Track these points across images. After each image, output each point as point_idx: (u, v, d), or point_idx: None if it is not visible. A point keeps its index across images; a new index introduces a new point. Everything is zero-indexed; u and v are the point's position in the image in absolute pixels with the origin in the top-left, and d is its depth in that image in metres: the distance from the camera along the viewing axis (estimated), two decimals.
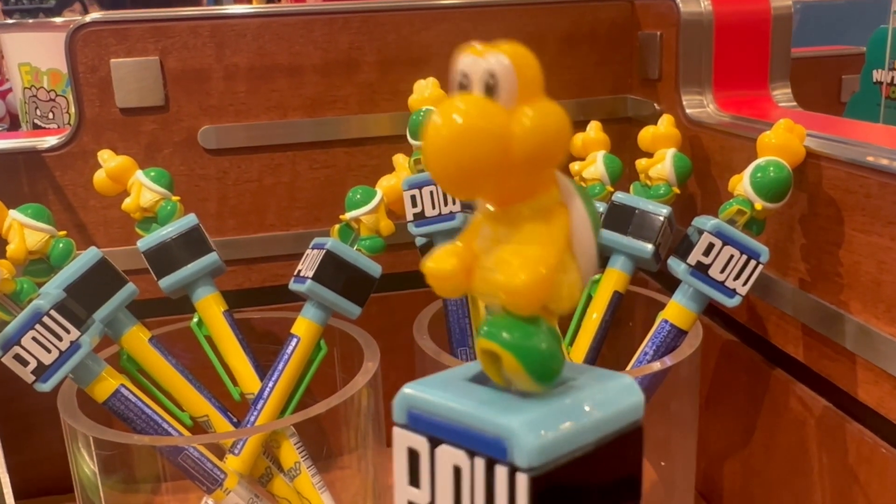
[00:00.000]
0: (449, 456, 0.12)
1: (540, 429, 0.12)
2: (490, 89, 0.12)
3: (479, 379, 0.13)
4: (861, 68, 0.69)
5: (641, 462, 0.13)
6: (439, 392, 0.13)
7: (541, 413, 0.12)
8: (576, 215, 0.13)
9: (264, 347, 0.38)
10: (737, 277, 0.32)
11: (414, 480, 0.13)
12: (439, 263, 0.12)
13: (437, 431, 0.12)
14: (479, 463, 0.12)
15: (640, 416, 0.13)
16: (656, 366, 0.33)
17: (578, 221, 0.13)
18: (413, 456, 0.12)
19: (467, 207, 0.38)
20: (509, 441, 0.11)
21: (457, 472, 0.12)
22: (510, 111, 0.12)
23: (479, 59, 0.12)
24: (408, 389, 0.13)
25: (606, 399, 0.13)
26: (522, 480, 0.11)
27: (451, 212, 0.37)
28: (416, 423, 0.12)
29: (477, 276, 0.13)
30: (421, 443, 0.12)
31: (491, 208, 0.13)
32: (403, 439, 0.13)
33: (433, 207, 0.38)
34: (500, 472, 0.12)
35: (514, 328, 0.12)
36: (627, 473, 0.13)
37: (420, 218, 0.37)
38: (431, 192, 0.38)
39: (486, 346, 0.12)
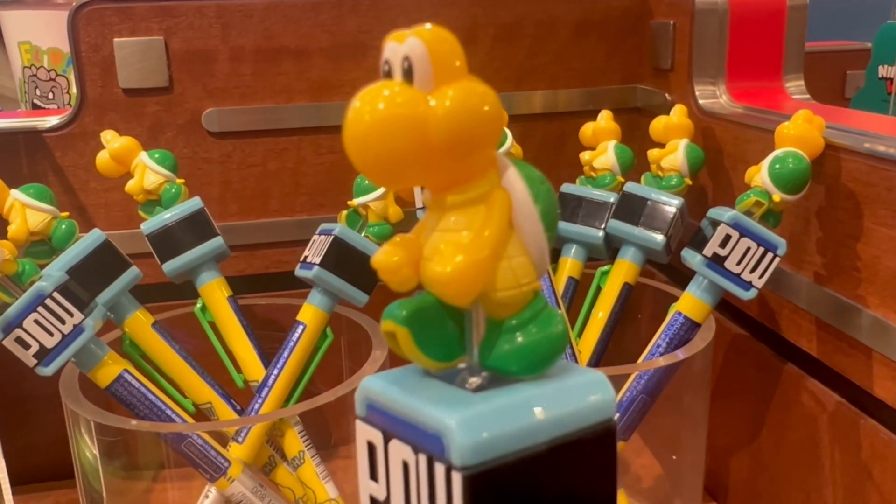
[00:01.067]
0: (399, 451, 0.12)
1: (478, 426, 0.11)
2: (407, 74, 0.12)
3: (445, 375, 0.13)
4: (867, 64, 0.69)
5: (614, 466, 0.12)
6: (394, 386, 0.12)
7: (484, 409, 0.11)
8: (518, 198, 0.12)
9: (267, 334, 0.38)
10: (753, 270, 0.32)
11: (373, 474, 0.12)
12: (385, 257, 0.12)
13: (390, 426, 0.12)
14: (423, 459, 0.11)
15: (609, 415, 0.12)
16: (669, 358, 0.33)
17: (521, 204, 0.12)
18: (371, 449, 0.12)
19: None
20: (445, 437, 0.11)
21: (405, 467, 0.12)
22: (427, 94, 0.11)
23: (398, 45, 0.12)
24: (366, 382, 0.13)
25: (566, 396, 0.12)
26: (457, 480, 0.11)
27: None
28: (373, 416, 0.12)
29: (420, 268, 0.12)
30: (377, 436, 0.12)
31: (428, 197, 0.13)
32: (363, 432, 0.12)
33: None
34: (439, 470, 0.11)
35: (409, 305, 0.12)
36: (596, 479, 0.12)
37: None
38: None
39: (385, 327, 0.12)
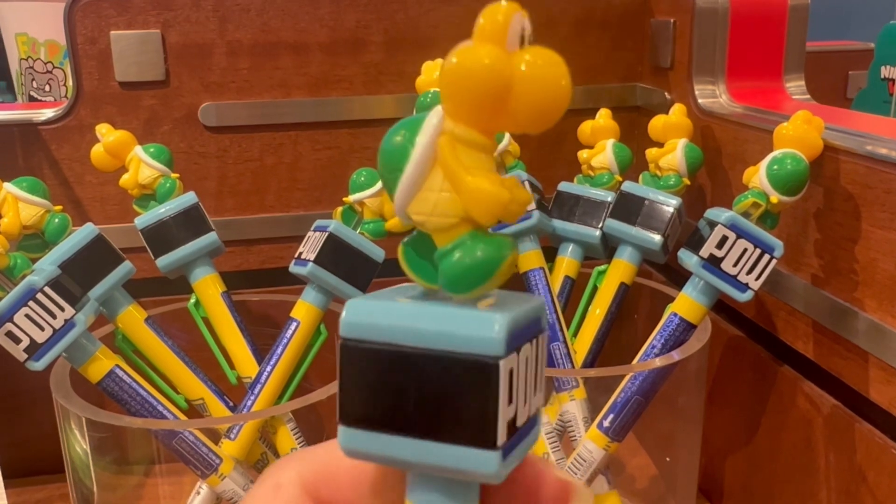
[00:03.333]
0: (524, 353, 0.14)
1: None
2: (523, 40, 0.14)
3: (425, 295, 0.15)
4: (869, 64, 0.68)
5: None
6: (518, 307, 0.14)
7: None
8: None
9: (261, 330, 0.38)
10: (749, 272, 0.31)
11: (511, 397, 0.14)
12: (500, 190, 0.14)
13: (520, 340, 0.14)
14: (534, 343, 0.14)
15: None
16: (665, 359, 0.33)
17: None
18: (511, 376, 0.14)
19: (540, 202, 0.37)
20: (542, 314, 0.14)
21: (527, 362, 0.14)
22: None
23: (523, 18, 0.14)
24: (505, 316, 0.14)
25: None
26: (543, 339, 0.14)
27: (526, 211, 0.36)
28: (512, 344, 0.14)
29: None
30: (513, 360, 0.14)
31: (479, 140, 0.14)
32: (505, 366, 0.14)
33: None
34: (542, 339, 0.14)
35: (416, 237, 0.15)
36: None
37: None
38: None
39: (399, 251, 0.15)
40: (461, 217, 0.14)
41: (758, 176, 0.32)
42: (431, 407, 0.13)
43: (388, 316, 0.14)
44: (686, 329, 0.33)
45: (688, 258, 0.32)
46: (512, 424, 0.13)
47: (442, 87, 0.14)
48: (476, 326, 0.13)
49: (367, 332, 0.14)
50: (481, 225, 0.14)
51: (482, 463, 0.13)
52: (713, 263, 0.32)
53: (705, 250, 0.32)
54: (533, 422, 0.14)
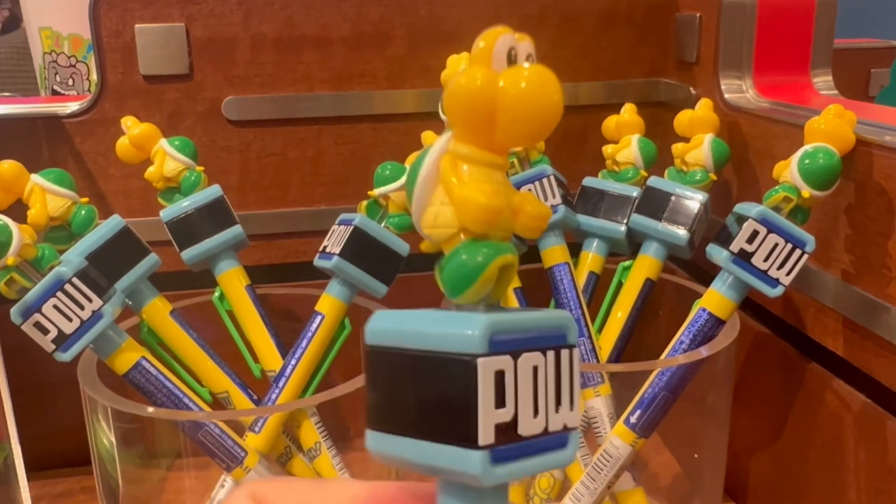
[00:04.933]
0: (528, 361, 0.14)
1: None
2: (513, 59, 0.14)
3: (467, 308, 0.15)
4: (891, 62, 0.68)
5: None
6: (504, 315, 0.14)
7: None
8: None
9: (285, 324, 0.38)
10: (780, 267, 0.31)
11: (502, 401, 0.14)
12: (495, 200, 0.14)
13: (517, 345, 0.14)
14: (551, 356, 0.14)
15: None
16: (693, 355, 0.32)
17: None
18: (500, 378, 0.14)
19: (565, 197, 0.37)
20: (568, 329, 0.15)
21: (535, 371, 0.14)
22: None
23: (518, 40, 0.15)
24: (486, 319, 0.14)
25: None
26: (576, 354, 0.15)
27: (552, 205, 0.36)
28: (498, 346, 0.14)
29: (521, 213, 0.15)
30: (504, 361, 0.14)
31: (485, 157, 0.15)
32: (488, 366, 0.14)
33: None
34: (564, 355, 0.14)
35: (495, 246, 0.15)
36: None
37: None
38: (530, 190, 0.37)
39: (500, 262, 0.15)
40: (458, 227, 0.15)
41: (789, 170, 0.32)
42: (427, 407, 0.14)
43: (396, 321, 0.15)
44: (715, 325, 0.33)
45: (717, 253, 0.32)
46: (507, 429, 0.14)
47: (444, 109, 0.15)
48: (460, 326, 0.14)
49: (376, 337, 0.15)
50: (476, 233, 0.14)
51: (466, 462, 0.13)
52: (743, 258, 0.31)
53: (735, 245, 0.31)
54: (559, 439, 0.14)
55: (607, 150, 0.40)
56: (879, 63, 0.69)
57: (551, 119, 0.14)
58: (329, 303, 0.35)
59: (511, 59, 0.14)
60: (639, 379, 0.34)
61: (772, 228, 0.31)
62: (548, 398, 0.14)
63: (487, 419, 0.13)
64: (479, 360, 0.13)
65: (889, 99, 0.66)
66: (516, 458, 0.14)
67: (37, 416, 0.43)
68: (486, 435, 0.13)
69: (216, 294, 0.36)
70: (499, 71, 0.14)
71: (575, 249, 0.39)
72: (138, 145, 0.35)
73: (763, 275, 0.31)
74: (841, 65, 0.62)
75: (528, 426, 0.14)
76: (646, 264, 0.37)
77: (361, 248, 0.34)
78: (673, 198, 0.37)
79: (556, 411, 0.14)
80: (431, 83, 0.41)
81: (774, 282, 0.31)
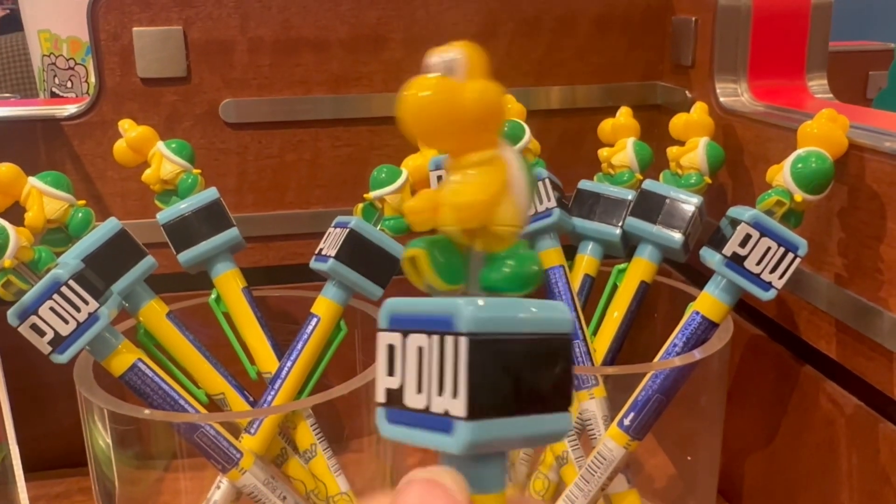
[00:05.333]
0: (415, 341, 0.16)
1: (479, 308, 0.15)
2: (448, 72, 0.16)
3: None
4: (889, 64, 0.68)
5: (571, 371, 0.16)
6: (414, 301, 0.16)
7: (484, 301, 0.15)
8: (513, 166, 0.17)
9: (281, 326, 0.38)
10: (773, 270, 0.31)
11: (391, 370, 0.16)
12: (413, 202, 0.16)
13: (408, 325, 0.16)
14: (435, 339, 0.15)
15: (569, 329, 0.16)
16: (686, 358, 0.32)
17: (514, 170, 0.17)
18: (391, 350, 0.16)
19: (560, 201, 0.38)
20: (454, 315, 0.15)
21: (419, 351, 0.15)
22: (462, 84, 0.16)
23: (442, 55, 0.16)
24: (390, 301, 0.16)
25: (539, 308, 0.16)
26: (463, 343, 0.15)
27: (547, 208, 0.37)
28: (394, 324, 0.16)
29: (442, 208, 0.16)
30: (396, 337, 0.16)
31: (448, 161, 0.17)
32: (384, 339, 0.16)
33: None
34: (449, 341, 0.15)
35: (429, 239, 0.16)
36: (558, 376, 0.16)
37: None
38: None
39: (408, 252, 0.16)
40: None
41: (782, 174, 0.32)
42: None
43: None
44: (708, 328, 0.33)
45: (710, 256, 0.32)
46: (396, 396, 0.16)
47: None
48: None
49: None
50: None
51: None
52: (736, 262, 0.32)
53: (728, 248, 0.32)
54: (440, 422, 0.15)
55: (603, 153, 0.40)
56: (877, 65, 0.69)
57: (424, 117, 0.15)
58: (325, 305, 0.35)
59: (438, 71, 0.16)
60: (633, 381, 0.34)
61: (764, 232, 0.31)
62: (431, 379, 0.15)
63: (381, 383, 0.16)
64: (378, 334, 0.16)
65: (887, 101, 0.66)
66: (404, 423, 0.16)
67: (34, 417, 0.44)
68: (379, 395, 0.16)
69: (213, 296, 0.36)
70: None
71: (570, 252, 0.39)
72: (136, 148, 0.36)
73: (756, 278, 0.31)
74: (838, 67, 0.62)
75: (412, 399, 0.15)
76: (641, 267, 0.38)
77: (357, 251, 0.34)
78: (668, 201, 0.37)
79: (439, 394, 0.15)
80: None
81: (767, 285, 0.31)
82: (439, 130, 0.16)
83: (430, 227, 0.17)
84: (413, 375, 0.15)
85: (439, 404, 0.15)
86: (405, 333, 0.15)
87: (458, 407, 0.15)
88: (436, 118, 0.16)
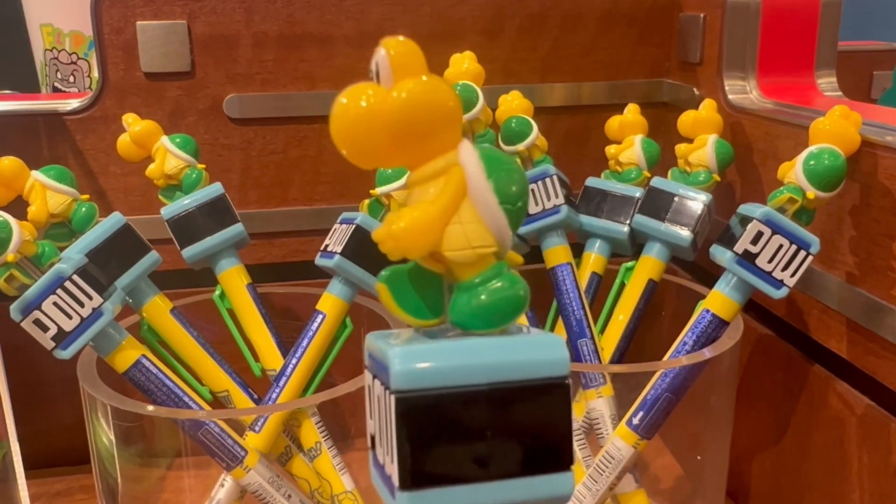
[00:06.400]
0: (377, 387, 0.14)
1: (414, 358, 0.13)
2: (376, 75, 0.15)
3: (431, 333, 0.15)
4: (894, 64, 0.68)
5: (567, 422, 0.13)
6: (381, 338, 0.14)
7: (425, 347, 0.13)
8: (471, 173, 0.14)
9: (285, 323, 0.37)
10: (785, 268, 0.31)
11: (371, 413, 0.15)
12: (378, 231, 0.15)
13: (374, 368, 0.14)
14: (380, 389, 0.14)
15: (561, 373, 0.13)
16: (696, 357, 0.32)
17: (474, 178, 0.14)
18: (368, 391, 0.15)
19: (568, 198, 0.37)
20: (388, 367, 0.13)
21: (378, 400, 0.14)
22: (389, 89, 0.14)
23: (384, 50, 0.15)
24: (368, 336, 0.15)
25: (515, 348, 0.13)
26: (391, 402, 0.13)
27: (554, 205, 0.36)
28: (369, 363, 0.15)
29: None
30: (369, 377, 0.15)
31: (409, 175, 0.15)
32: (367, 376, 0.15)
33: (536, 204, 0.37)
34: (387, 397, 0.13)
35: (394, 269, 0.15)
36: (545, 432, 0.13)
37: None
38: (533, 190, 0.37)
39: (377, 286, 0.15)
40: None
41: (793, 171, 0.31)
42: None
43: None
44: (718, 326, 0.33)
45: (721, 254, 0.32)
46: (373, 442, 0.14)
47: None
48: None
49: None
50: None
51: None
52: (748, 259, 0.31)
53: (740, 246, 0.31)
54: (390, 485, 0.14)
55: (610, 150, 0.40)
56: (882, 65, 0.68)
57: (341, 128, 0.14)
58: (330, 302, 0.35)
59: (372, 76, 0.15)
60: (641, 380, 0.33)
61: (776, 230, 0.31)
62: (386, 436, 0.14)
63: (367, 425, 0.15)
64: (365, 370, 0.15)
65: (891, 101, 0.66)
66: (378, 474, 0.14)
67: (36, 413, 0.43)
68: (368, 436, 0.15)
69: (217, 292, 0.36)
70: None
71: (577, 250, 0.39)
72: (139, 143, 0.35)
73: (767, 276, 0.31)
74: (843, 67, 0.62)
75: (380, 451, 0.14)
76: (648, 265, 0.37)
77: (363, 247, 0.34)
78: (676, 198, 0.36)
79: (388, 454, 0.14)
80: None
81: (779, 283, 0.31)
82: (361, 143, 0.14)
83: (399, 257, 0.14)
84: (379, 426, 0.14)
85: (388, 465, 0.13)
86: (374, 376, 0.14)
87: (395, 473, 0.13)
88: (354, 130, 0.14)
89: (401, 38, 0.15)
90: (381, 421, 0.13)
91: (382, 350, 0.13)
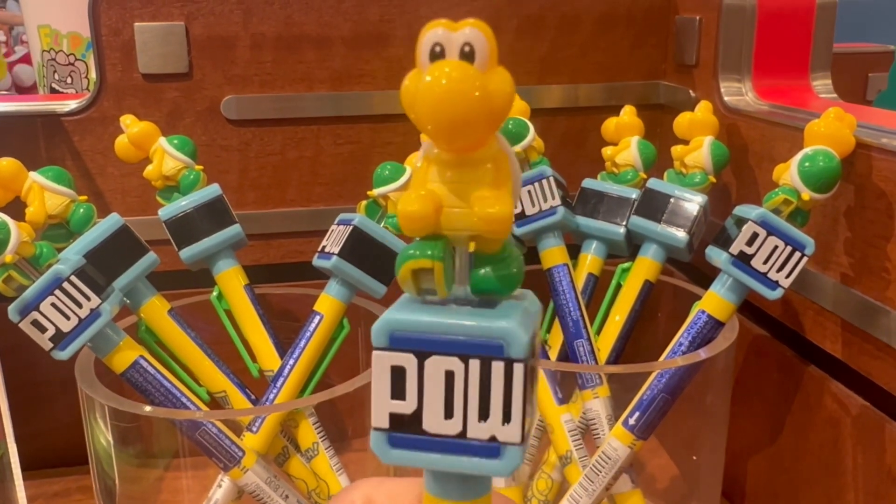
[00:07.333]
0: (439, 364, 0.15)
1: (525, 329, 0.15)
2: (468, 56, 0.14)
3: (438, 302, 0.16)
4: (889, 66, 0.68)
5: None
6: (423, 315, 0.15)
7: (520, 319, 0.15)
8: (512, 161, 0.15)
9: (283, 324, 0.37)
10: (780, 269, 0.31)
11: (399, 394, 0.15)
12: (416, 206, 0.15)
13: (425, 346, 0.15)
14: (475, 364, 0.15)
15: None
16: (691, 357, 0.32)
17: (514, 165, 0.15)
18: (397, 372, 0.15)
19: (564, 199, 0.38)
20: (507, 341, 0.14)
21: (448, 376, 0.15)
22: (486, 74, 0.14)
23: (451, 32, 0.15)
24: (390, 316, 0.15)
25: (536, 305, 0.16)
26: (519, 370, 0.14)
27: (551, 207, 0.37)
28: (401, 343, 0.15)
29: (447, 214, 0.15)
30: (407, 359, 0.15)
31: (443, 156, 0.15)
32: (387, 359, 0.15)
33: (532, 205, 0.37)
34: (497, 367, 0.14)
35: (435, 246, 0.15)
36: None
37: (520, 217, 0.37)
38: (529, 191, 0.37)
39: (419, 263, 0.15)
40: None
41: (788, 173, 0.32)
42: None
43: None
44: (714, 327, 0.33)
45: (716, 255, 0.32)
46: (408, 421, 0.15)
47: None
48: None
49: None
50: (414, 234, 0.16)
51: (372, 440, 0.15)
52: (743, 260, 0.31)
53: (735, 247, 0.31)
54: (485, 448, 0.15)
55: (606, 151, 0.40)
56: (877, 67, 0.69)
57: (454, 114, 0.14)
58: (328, 303, 0.35)
59: (434, 55, 0.14)
60: (637, 381, 0.34)
61: (772, 231, 0.31)
62: (468, 405, 0.15)
63: (380, 407, 0.15)
64: (376, 353, 0.15)
65: (887, 103, 0.66)
66: (418, 448, 0.15)
67: (33, 414, 0.43)
68: (378, 419, 0.15)
69: (214, 293, 0.36)
70: (423, 68, 0.14)
71: (574, 251, 0.39)
72: (137, 144, 0.35)
73: (762, 277, 0.31)
74: (838, 69, 0.62)
75: (437, 425, 0.15)
76: (645, 266, 0.37)
77: (360, 248, 0.34)
78: (672, 200, 0.37)
79: (482, 421, 0.15)
80: None
81: (774, 284, 0.31)
82: (464, 125, 0.14)
83: (429, 233, 0.15)
84: (438, 400, 0.15)
85: (482, 430, 0.15)
86: (422, 355, 0.15)
87: (512, 433, 0.15)
88: (463, 112, 0.14)
89: (478, 20, 0.15)
90: (468, 392, 0.14)
91: (473, 327, 0.15)
